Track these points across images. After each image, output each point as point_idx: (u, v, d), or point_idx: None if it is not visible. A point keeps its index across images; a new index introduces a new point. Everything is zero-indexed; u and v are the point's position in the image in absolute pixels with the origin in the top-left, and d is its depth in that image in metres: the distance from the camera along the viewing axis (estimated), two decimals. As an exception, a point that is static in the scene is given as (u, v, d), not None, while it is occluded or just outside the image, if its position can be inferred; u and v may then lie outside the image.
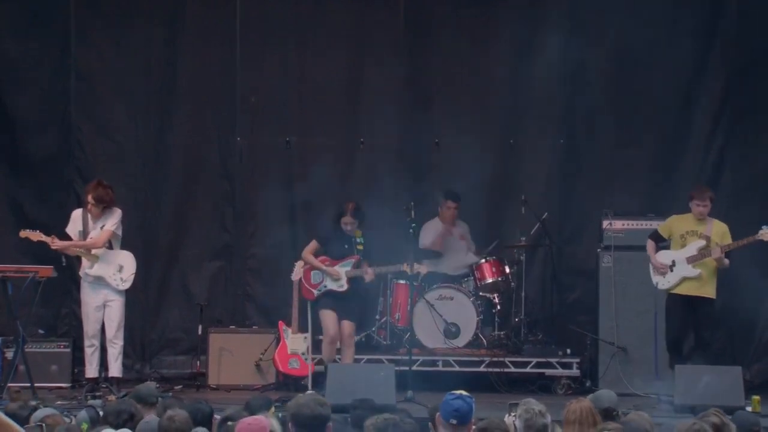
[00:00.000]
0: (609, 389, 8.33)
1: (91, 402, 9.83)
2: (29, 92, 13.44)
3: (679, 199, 12.27)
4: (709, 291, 11.70)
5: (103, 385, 11.86)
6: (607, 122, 13.44)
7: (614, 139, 13.46)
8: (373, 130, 13.63)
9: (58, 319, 13.41)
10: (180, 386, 12.49)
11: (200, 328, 12.84)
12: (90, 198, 11.69)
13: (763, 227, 11.60)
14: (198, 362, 12.89)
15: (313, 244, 11.71)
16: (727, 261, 11.70)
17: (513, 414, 6.91)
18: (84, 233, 11.73)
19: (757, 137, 13.30)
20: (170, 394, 11.24)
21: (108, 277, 11.68)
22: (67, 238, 11.81)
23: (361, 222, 11.64)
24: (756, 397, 11.09)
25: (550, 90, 13.48)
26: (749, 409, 10.73)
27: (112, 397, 10.86)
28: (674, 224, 11.86)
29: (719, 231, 11.72)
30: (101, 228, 11.70)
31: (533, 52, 13.44)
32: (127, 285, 11.74)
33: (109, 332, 11.74)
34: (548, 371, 12.50)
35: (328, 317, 11.56)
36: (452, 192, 13.12)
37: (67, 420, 7.22)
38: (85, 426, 7.28)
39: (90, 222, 11.75)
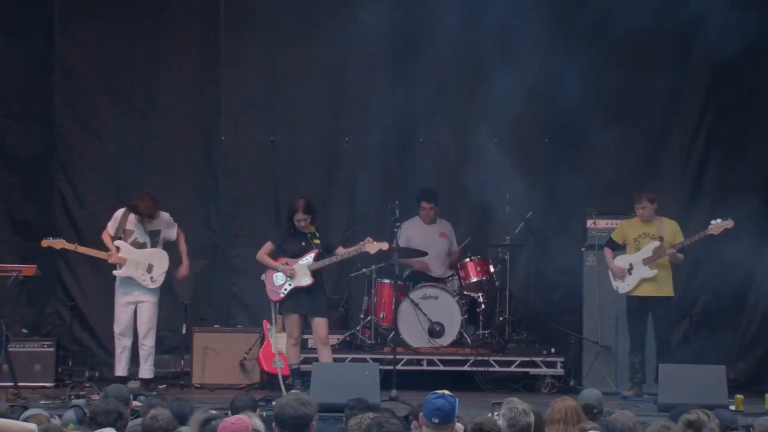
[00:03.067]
0: (593, 388, 8.36)
1: (76, 402, 9.82)
2: (12, 88, 13.40)
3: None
4: (666, 290, 11.97)
5: (87, 384, 11.86)
6: (591, 121, 13.44)
7: (598, 139, 13.45)
8: (357, 129, 13.63)
9: (42, 318, 13.38)
10: (164, 385, 12.47)
11: (184, 327, 12.82)
12: (138, 217, 11.82)
13: (712, 221, 11.73)
14: (182, 361, 12.87)
15: (268, 246, 11.70)
16: (681, 256, 11.96)
17: (496, 413, 6.92)
18: (120, 232, 11.76)
19: (740, 136, 13.33)
20: (154, 393, 11.23)
21: (137, 278, 11.75)
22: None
23: (313, 217, 11.64)
24: (739, 396, 11.12)
25: (534, 89, 13.48)
26: (732, 408, 10.77)
27: (96, 397, 10.84)
28: (626, 229, 12.12)
29: (671, 230, 11.96)
30: (149, 232, 11.86)
31: (519, 51, 13.46)
32: (157, 284, 11.85)
33: (140, 333, 11.88)
34: (532, 370, 12.50)
35: (291, 321, 11.58)
36: (426, 192, 13.08)
37: (53, 420, 7.21)
38: (71, 426, 7.27)
39: (131, 224, 11.82)
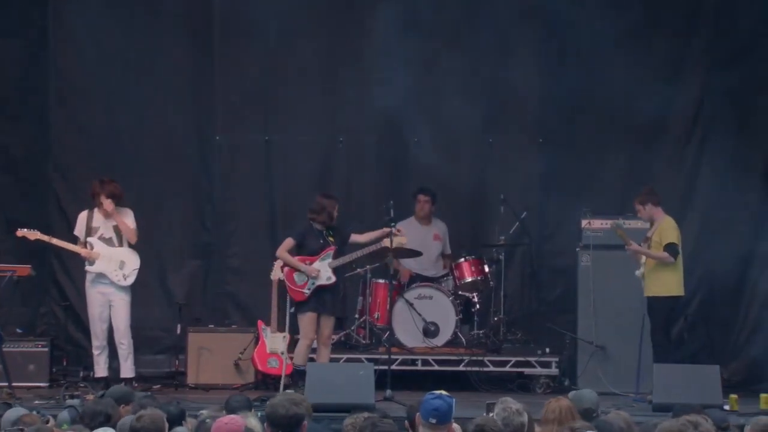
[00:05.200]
0: (588, 388, 8.35)
1: (70, 402, 9.80)
2: (7, 88, 13.38)
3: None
4: (652, 290, 11.79)
5: (82, 385, 11.86)
6: (586, 121, 13.46)
7: (593, 138, 13.48)
8: (352, 129, 13.63)
9: (37, 318, 13.37)
10: (158, 385, 12.46)
11: (179, 327, 12.81)
12: (103, 197, 11.69)
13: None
14: (177, 361, 12.87)
15: (289, 242, 11.63)
16: (659, 255, 11.67)
17: (491, 413, 6.92)
18: (88, 231, 11.72)
19: (734, 137, 13.33)
20: (149, 393, 11.21)
21: (109, 274, 11.70)
22: (75, 240, 11.84)
23: None
24: (734, 396, 11.13)
25: (529, 89, 13.50)
26: (727, 407, 10.78)
27: (90, 397, 10.83)
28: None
29: (659, 229, 11.81)
30: (113, 226, 11.75)
31: (514, 51, 13.47)
32: (129, 281, 11.78)
33: (117, 333, 11.82)
34: (527, 370, 12.51)
35: (309, 321, 11.51)
36: (424, 186, 13.12)
37: (43, 420, 7.20)
38: (65, 426, 7.26)
39: (97, 220, 11.74)
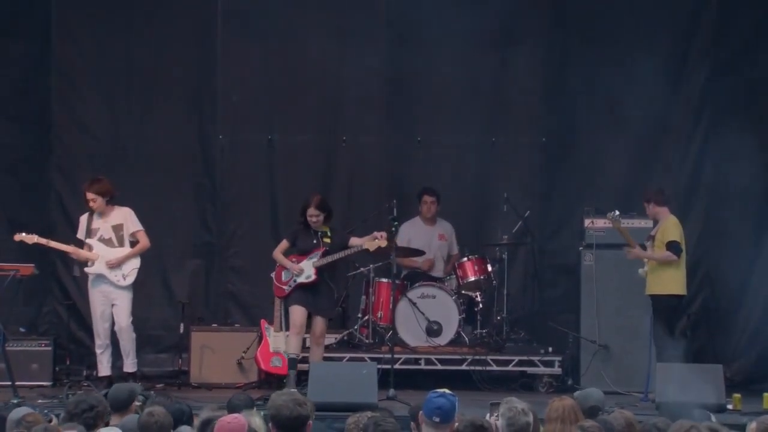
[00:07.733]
0: (593, 387, 8.35)
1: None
2: (9, 89, 13.37)
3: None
4: (653, 288, 11.79)
5: (85, 384, 11.86)
6: (588, 120, 13.46)
7: (595, 137, 13.47)
8: (355, 128, 13.63)
9: (39, 317, 13.37)
10: (161, 384, 12.48)
11: (182, 326, 12.82)
12: (91, 195, 11.64)
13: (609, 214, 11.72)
14: (180, 360, 12.88)
15: (284, 244, 11.77)
16: (657, 255, 11.67)
17: (495, 414, 6.92)
18: (88, 233, 11.71)
19: (737, 135, 13.31)
20: (153, 392, 11.21)
21: (108, 274, 11.69)
22: (79, 243, 11.82)
23: (327, 216, 11.65)
24: (737, 395, 11.12)
25: (531, 88, 13.50)
26: (730, 407, 10.78)
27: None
28: None
29: (661, 228, 11.81)
30: (112, 226, 11.73)
31: (516, 51, 13.47)
32: (129, 281, 11.74)
33: (118, 329, 11.78)
34: (530, 369, 12.52)
35: (296, 311, 11.59)
36: (429, 187, 13.13)
37: (46, 419, 7.19)
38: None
39: (96, 222, 11.72)
